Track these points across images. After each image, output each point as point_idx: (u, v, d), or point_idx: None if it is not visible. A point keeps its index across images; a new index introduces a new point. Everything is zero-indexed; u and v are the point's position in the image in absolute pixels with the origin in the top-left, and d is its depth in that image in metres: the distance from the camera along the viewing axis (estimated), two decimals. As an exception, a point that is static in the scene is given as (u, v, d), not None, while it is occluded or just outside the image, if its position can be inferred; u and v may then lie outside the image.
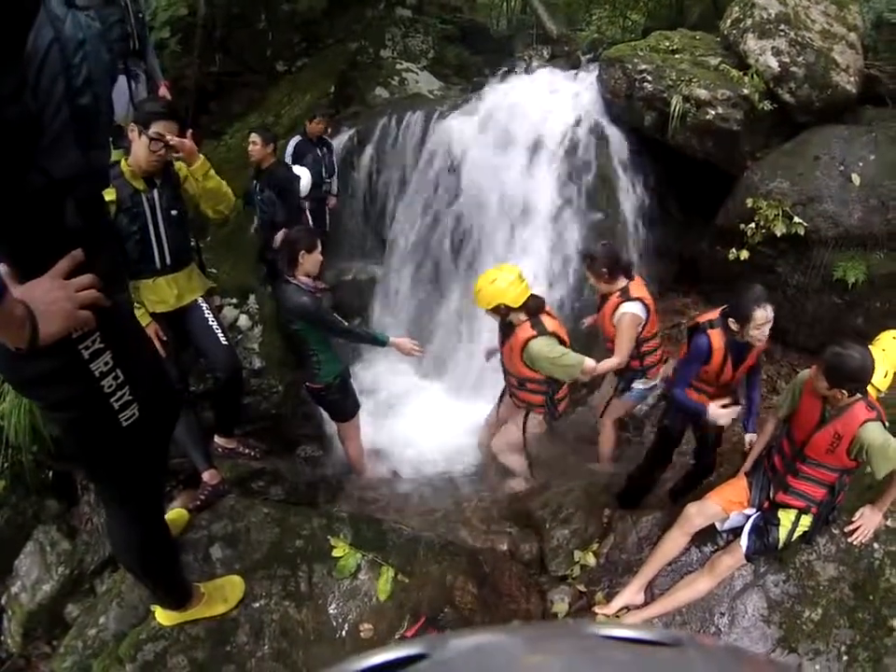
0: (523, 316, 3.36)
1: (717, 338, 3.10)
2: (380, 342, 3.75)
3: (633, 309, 3.52)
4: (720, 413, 3.11)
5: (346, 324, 3.71)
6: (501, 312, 3.33)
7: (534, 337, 3.31)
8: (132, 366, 1.63)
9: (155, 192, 2.94)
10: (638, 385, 3.88)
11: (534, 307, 3.38)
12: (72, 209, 1.38)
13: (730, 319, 3.00)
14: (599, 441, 4.22)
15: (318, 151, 5.51)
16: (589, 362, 3.40)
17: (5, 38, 1.08)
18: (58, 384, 1.53)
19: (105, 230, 1.61)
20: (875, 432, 2.57)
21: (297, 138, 5.55)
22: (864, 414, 2.60)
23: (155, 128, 2.76)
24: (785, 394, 3.04)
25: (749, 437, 3.29)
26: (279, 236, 4.97)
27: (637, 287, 3.60)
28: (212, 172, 3.03)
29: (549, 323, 3.41)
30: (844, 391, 2.57)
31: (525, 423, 3.80)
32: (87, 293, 1.34)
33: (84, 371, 1.51)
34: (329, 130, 5.83)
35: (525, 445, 3.88)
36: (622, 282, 3.58)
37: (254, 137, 4.79)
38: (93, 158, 1.38)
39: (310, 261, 3.46)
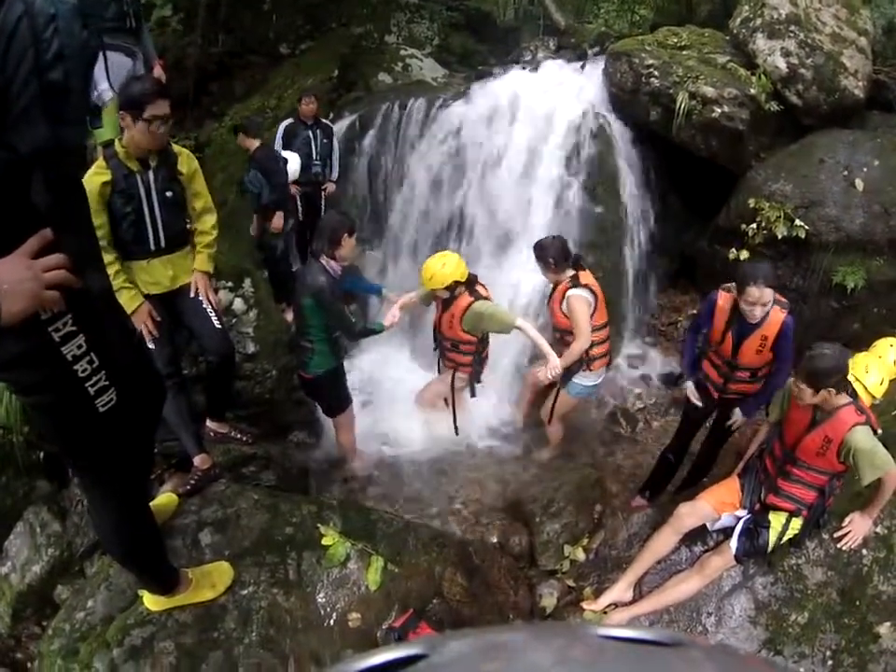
0: (463, 289, 3.94)
1: (724, 299, 3.19)
2: (377, 332, 3.88)
3: (580, 292, 3.81)
4: (689, 387, 3.49)
5: (352, 321, 3.79)
6: (452, 288, 3.89)
7: (473, 302, 3.91)
8: (108, 350, 1.60)
9: (150, 173, 2.89)
10: (579, 378, 4.01)
11: (473, 279, 4.02)
12: (40, 186, 1.35)
13: (733, 282, 3.07)
14: (549, 433, 4.41)
15: (310, 133, 5.44)
16: (521, 320, 3.88)
17: None
18: (28, 367, 1.50)
19: (76, 209, 1.57)
20: (863, 436, 2.57)
21: (288, 120, 5.52)
22: (854, 418, 2.60)
23: (151, 110, 2.72)
24: (776, 399, 3.04)
25: (738, 416, 3.37)
26: (277, 220, 5.01)
27: (586, 276, 3.89)
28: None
29: (482, 291, 4.04)
30: (830, 390, 2.57)
31: (452, 379, 4.29)
32: (54, 273, 1.30)
33: (55, 355, 1.48)
34: (331, 113, 5.79)
35: (453, 399, 4.35)
36: (569, 272, 3.87)
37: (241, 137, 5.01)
38: (63, 134, 1.34)
39: (349, 245, 3.59)
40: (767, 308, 3.01)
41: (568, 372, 4.00)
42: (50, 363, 1.49)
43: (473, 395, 4.37)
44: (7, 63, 1.22)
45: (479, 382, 4.32)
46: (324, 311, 3.56)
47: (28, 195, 1.33)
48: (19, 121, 1.26)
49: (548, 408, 4.26)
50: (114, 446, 1.76)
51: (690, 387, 3.47)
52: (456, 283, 3.88)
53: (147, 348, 2.18)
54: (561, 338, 3.98)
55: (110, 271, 2.56)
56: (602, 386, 4.39)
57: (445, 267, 3.84)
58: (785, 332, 3.10)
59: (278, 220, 5.03)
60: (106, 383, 1.60)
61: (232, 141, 6.17)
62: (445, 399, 4.40)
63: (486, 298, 4.00)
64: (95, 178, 2.75)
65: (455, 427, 4.43)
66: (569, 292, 3.81)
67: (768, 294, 2.94)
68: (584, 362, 3.94)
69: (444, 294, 3.94)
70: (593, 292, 3.83)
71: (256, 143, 4.93)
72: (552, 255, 3.84)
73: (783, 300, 3.15)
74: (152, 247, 2.99)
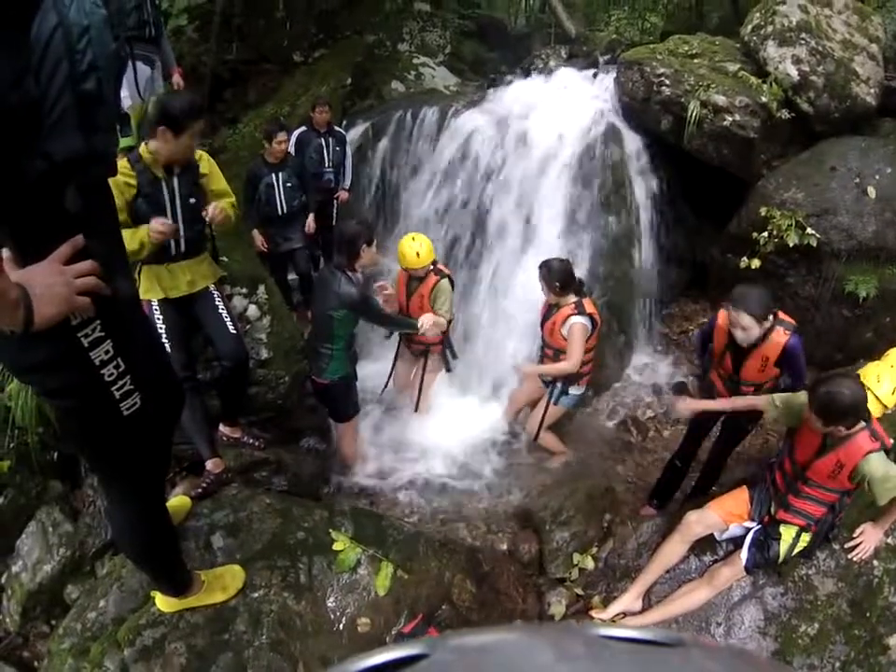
0: (431, 267, 4.15)
1: (723, 318, 3.19)
2: (415, 326, 4.01)
3: (583, 321, 3.91)
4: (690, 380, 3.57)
5: (391, 316, 3.97)
6: (429, 264, 4.12)
7: (439, 280, 4.13)
8: (134, 355, 1.62)
9: (175, 180, 2.95)
10: (574, 390, 4.19)
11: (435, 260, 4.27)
12: (73, 193, 1.38)
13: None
14: (546, 445, 4.47)
15: (322, 141, 5.47)
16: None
17: (10, 24, 1.09)
18: (57, 371, 1.53)
19: (106, 215, 1.60)
20: (877, 464, 2.55)
21: (301, 128, 5.55)
22: (868, 445, 2.57)
23: (192, 128, 2.82)
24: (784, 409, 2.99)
25: None
26: (312, 221, 5.19)
27: (589, 304, 4.01)
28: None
29: (444, 269, 4.26)
30: (841, 427, 2.54)
31: (424, 364, 4.45)
32: (85, 280, 1.33)
33: (84, 359, 1.51)
34: (344, 121, 5.82)
35: (421, 384, 4.49)
36: (573, 297, 3.96)
37: (284, 136, 4.86)
38: (96, 142, 1.38)
39: (369, 255, 3.62)
40: (751, 333, 2.98)
41: (560, 389, 4.16)
42: (78, 368, 1.52)
43: (449, 370, 4.53)
44: (42, 74, 1.25)
45: (455, 357, 4.50)
46: (361, 316, 3.67)
47: (62, 202, 1.36)
48: (54, 131, 1.29)
49: (535, 421, 4.31)
50: (136, 449, 1.79)
51: (691, 380, 3.50)
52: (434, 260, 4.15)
53: (167, 353, 2.21)
54: (554, 356, 4.09)
55: None
56: (585, 396, 4.60)
57: (427, 244, 4.09)
58: (789, 353, 3.06)
59: (313, 222, 5.20)
60: (131, 387, 1.63)
61: (246, 148, 6.23)
62: (420, 384, 4.50)
63: (449, 275, 4.20)
64: (121, 182, 2.80)
65: (417, 405, 4.56)
66: (573, 319, 3.90)
67: (746, 320, 2.93)
68: (575, 379, 4.11)
69: (421, 272, 4.13)
70: (593, 320, 3.95)
71: (289, 148, 4.93)
72: (557, 279, 3.88)
73: (788, 320, 3.10)
74: (172, 252, 3.04)
